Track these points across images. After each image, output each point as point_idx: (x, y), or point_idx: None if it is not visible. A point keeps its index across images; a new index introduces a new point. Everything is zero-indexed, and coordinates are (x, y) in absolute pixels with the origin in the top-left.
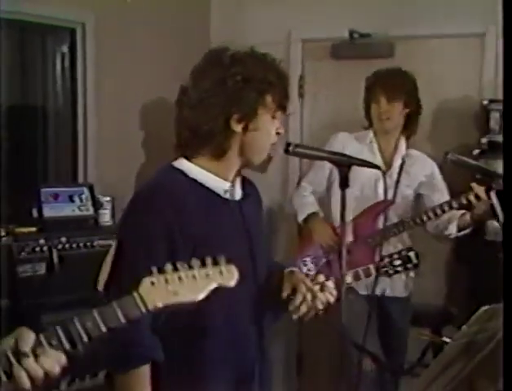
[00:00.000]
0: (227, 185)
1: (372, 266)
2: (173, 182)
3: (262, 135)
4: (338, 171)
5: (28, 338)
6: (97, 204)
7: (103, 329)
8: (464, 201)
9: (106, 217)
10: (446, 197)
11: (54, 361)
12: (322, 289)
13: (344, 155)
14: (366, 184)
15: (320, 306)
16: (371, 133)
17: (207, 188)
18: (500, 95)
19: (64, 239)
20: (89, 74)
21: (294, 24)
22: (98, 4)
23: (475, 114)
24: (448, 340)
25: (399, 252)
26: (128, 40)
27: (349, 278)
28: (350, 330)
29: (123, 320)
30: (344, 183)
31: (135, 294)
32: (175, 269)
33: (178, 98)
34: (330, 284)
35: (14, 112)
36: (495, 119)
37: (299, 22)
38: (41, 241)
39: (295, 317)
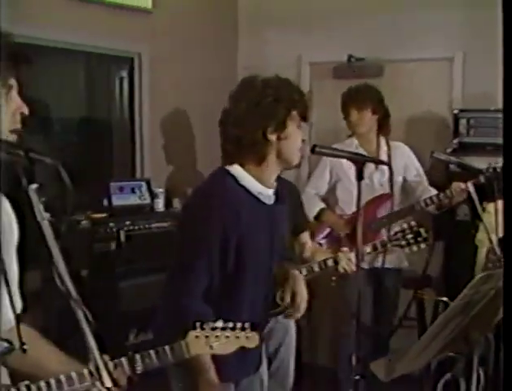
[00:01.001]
0: (270, 192)
1: (386, 239)
2: (227, 188)
3: (291, 142)
4: (355, 167)
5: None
6: (153, 195)
7: (156, 364)
8: (453, 194)
9: (160, 205)
10: (427, 185)
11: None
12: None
13: (359, 154)
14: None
15: (342, 271)
16: (355, 140)
17: (252, 194)
18: (467, 105)
19: (128, 223)
20: (144, 93)
21: (303, 50)
22: (150, 39)
23: (447, 121)
24: (445, 299)
25: (410, 228)
26: (173, 66)
27: (368, 249)
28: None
29: (172, 361)
30: (360, 176)
31: (183, 343)
32: (214, 328)
33: (221, 119)
34: (352, 256)
35: (85, 123)
36: (463, 124)
37: (307, 49)
38: (111, 224)
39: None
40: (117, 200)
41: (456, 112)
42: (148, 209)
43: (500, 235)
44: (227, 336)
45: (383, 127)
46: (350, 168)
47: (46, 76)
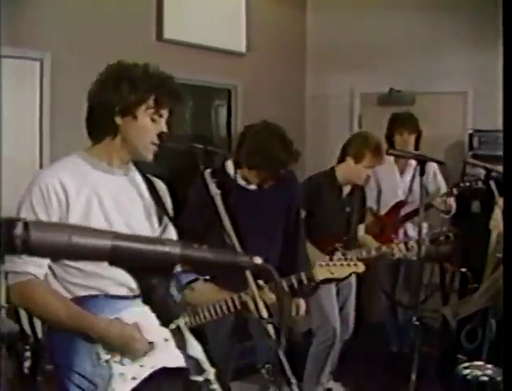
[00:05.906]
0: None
1: (428, 238)
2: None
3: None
4: (419, 165)
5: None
6: None
7: (296, 285)
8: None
9: None
10: (443, 187)
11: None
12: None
13: (421, 155)
14: (389, 185)
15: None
16: None
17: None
18: (477, 126)
19: None
20: (239, 116)
21: (355, 83)
22: (243, 74)
23: (463, 138)
24: (463, 269)
25: (444, 232)
26: (259, 94)
27: (412, 243)
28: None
29: (306, 282)
30: (422, 172)
31: (312, 271)
32: (331, 259)
33: None
34: (402, 246)
35: (192, 138)
36: (476, 141)
37: (358, 82)
38: None
39: None
40: None
41: (471, 131)
42: None
43: None
44: (342, 264)
45: (417, 145)
46: (388, 177)
47: None
